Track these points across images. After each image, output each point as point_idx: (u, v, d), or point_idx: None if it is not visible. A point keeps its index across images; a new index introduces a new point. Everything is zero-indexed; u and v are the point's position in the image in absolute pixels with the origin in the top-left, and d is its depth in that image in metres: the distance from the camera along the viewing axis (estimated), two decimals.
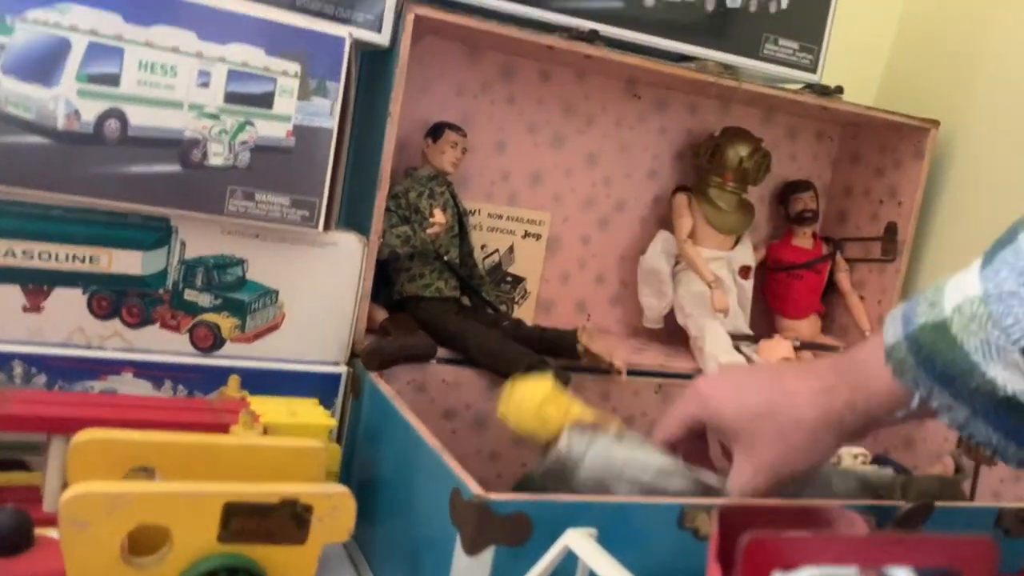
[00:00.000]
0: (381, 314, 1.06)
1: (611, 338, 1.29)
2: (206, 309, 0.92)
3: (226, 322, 0.93)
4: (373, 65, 1.04)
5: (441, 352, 1.04)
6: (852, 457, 1.07)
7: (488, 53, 1.19)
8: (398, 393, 0.92)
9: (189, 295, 0.91)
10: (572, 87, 1.25)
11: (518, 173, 1.25)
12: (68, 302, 0.87)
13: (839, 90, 1.21)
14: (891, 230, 1.35)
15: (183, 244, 0.90)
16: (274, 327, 0.96)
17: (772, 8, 1.15)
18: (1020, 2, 1.26)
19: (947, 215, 1.33)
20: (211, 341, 0.93)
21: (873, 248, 1.37)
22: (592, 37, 1.05)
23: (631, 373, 1.13)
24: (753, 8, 1.14)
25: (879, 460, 1.05)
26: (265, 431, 0.79)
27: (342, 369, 0.98)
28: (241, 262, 0.93)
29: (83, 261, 0.86)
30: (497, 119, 1.22)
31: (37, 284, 0.85)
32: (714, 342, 1.22)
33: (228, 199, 0.88)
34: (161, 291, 0.90)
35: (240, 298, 0.93)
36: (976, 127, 1.31)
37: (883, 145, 1.36)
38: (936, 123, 1.30)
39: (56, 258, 0.85)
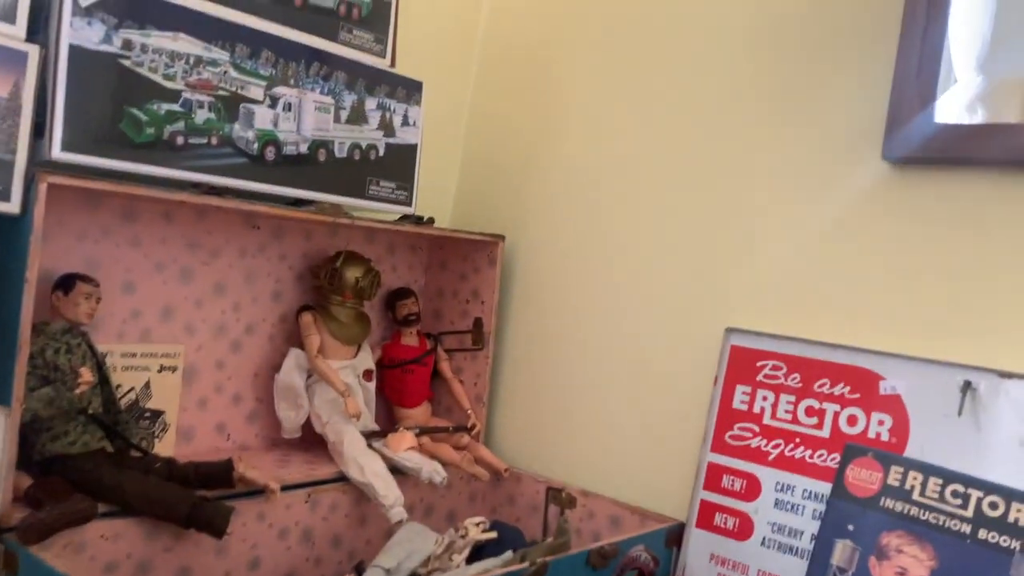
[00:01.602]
0: (24, 480, 1.03)
1: (254, 454, 1.38)
2: None
3: None
4: None
5: (99, 507, 1.04)
6: (475, 525, 1.30)
7: (108, 198, 1.22)
8: (55, 558, 0.92)
9: None
10: (194, 224, 1.32)
11: (149, 310, 1.28)
12: None
13: (431, 220, 1.47)
14: (478, 324, 1.63)
15: None
16: None
17: (372, 156, 1.36)
18: (552, 136, 1.64)
19: (519, 308, 1.66)
20: None
21: (466, 339, 1.65)
22: (222, 192, 1.15)
23: (282, 489, 1.23)
24: (358, 157, 1.34)
25: (496, 526, 1.29)
26: None
27: None
28: None
29: None
30: (123, 260, 1.25)
31: None
32: (351, 444, 1.37)
33: None
34: None
35: None
36: (532, 236, 1.65)
37: (464, 255, 1.65)
38: (502, 237, 1.62)
39: None
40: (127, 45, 1.05)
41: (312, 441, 1.44)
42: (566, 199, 1.61)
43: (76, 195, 1.18)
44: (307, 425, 1.44)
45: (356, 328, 1.47)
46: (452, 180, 1.77)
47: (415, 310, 1.60)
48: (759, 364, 1.32)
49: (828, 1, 1.31)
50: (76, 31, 1.01)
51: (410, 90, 1.41)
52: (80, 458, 1.08)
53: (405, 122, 1.41)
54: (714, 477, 1.34)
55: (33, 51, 0.97)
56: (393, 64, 1.39)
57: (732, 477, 1.32)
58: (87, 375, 1.05)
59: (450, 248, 1.67)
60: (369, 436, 1.43)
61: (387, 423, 1.55)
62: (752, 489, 1.30)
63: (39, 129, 0.99)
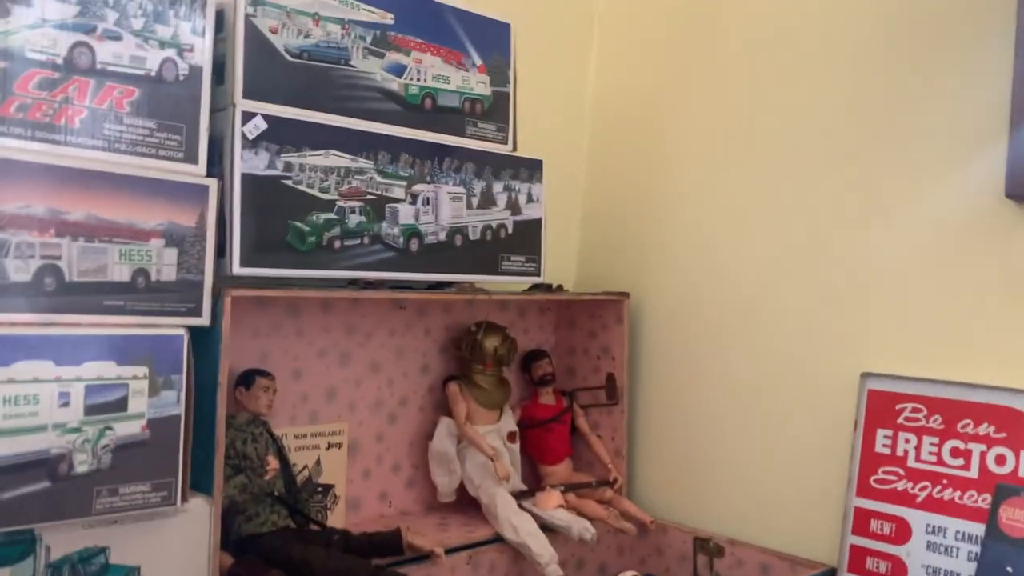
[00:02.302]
0: (227, 559, 1.16)
1: (415, 519, 1.48)
2: None
3: None
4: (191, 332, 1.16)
5: None
6: None
7: (275, 298, 1.36)
8: None
9: None
10: (350, 312, 1.45)
11: (315, 393, 1.41)
12: None
13: (560, 288, 1.55)
14: (611, 380, 1.70)
15: (48, 549, 0.96)
16: None
17: (502, 235, 1.46)
18: (666, 190, 1.70)
19: (649, 361, 1.72)
20: None
21: (599, 395, 1.72)
22: (379, 285, 1.27)
23: (446, 552, 1.33)
24: (489, 237, 1.44)
25: None
26: None
27: None
28: (103, 550, 1.00)
29: None
30: (290, 351, 1.38)
31: None
32: (504, 505, 1.46)
33: (95, 499, 0.96)
34: None
35: None
36: (656, 290, 1.71)
37: (591, 314, 1.73)
38: (627, 295, 1.68)
39: None
40: (288, 167, 1.19)
41: (466, 503, 1.54)
42: (688, 251, 1.66)
43: (249, 299, 1.33)
44: (460, 488, 1.54)
45: (498, 393, 1.56)
46: (574, 242, 1.85)
47: (550, 370, 1.68)
48: (898, 407, 1.33)
49: (944, 36, 1.33)
50: (246, 161, 1.15)
51: (532, 169, 1.50)
52: (270, 536, 1.20)
53: (529, 199, 1.50)
54: (862, 521, 1.35)
55: (212, 184, 1.11)
56: (514, 148, 1.49)
57: (881, 521, 1.33)
58: (274, 463, 1.18)
59: (577, 308, 1.74)
60: (518, 496, 1.52)
61: (532, 480, 1.63)
62: (902, 532, 1.31)
63: (220, 249, 1.14)
